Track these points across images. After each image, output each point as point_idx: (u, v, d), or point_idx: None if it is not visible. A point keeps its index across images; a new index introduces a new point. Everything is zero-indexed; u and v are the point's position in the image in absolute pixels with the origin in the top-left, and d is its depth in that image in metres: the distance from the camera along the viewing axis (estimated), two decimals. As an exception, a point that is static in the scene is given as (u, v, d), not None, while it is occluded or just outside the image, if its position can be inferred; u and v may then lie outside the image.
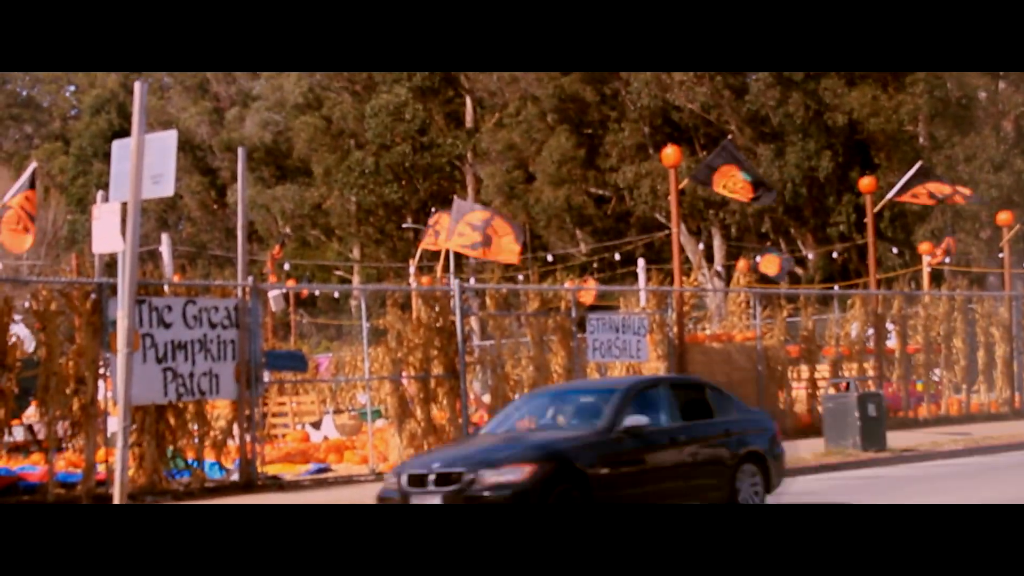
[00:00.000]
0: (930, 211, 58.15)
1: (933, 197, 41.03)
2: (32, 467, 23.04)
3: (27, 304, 22.30)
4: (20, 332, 22.47)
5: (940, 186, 41.36)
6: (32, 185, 35.60)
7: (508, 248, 35.00)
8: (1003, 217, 44.51)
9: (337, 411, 36.76)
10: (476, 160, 76.21)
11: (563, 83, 68.62)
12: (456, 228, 35.59)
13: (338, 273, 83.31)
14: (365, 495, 21.78)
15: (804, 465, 26.24)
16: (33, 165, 41.38)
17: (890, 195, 40.43)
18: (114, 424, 20.32)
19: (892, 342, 37.74)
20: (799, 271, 66.40)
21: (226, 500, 21.73)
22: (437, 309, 27.09)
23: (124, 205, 18.34)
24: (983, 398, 39.71)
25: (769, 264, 51.52)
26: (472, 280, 41.19)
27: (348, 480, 25.01)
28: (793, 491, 22.75)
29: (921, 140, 63.02)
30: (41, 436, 22.06)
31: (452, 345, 26.97)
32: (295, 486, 24.02)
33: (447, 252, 39.99)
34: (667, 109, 66.48)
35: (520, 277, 51.85)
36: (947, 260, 54.05)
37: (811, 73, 61.35)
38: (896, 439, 29.53)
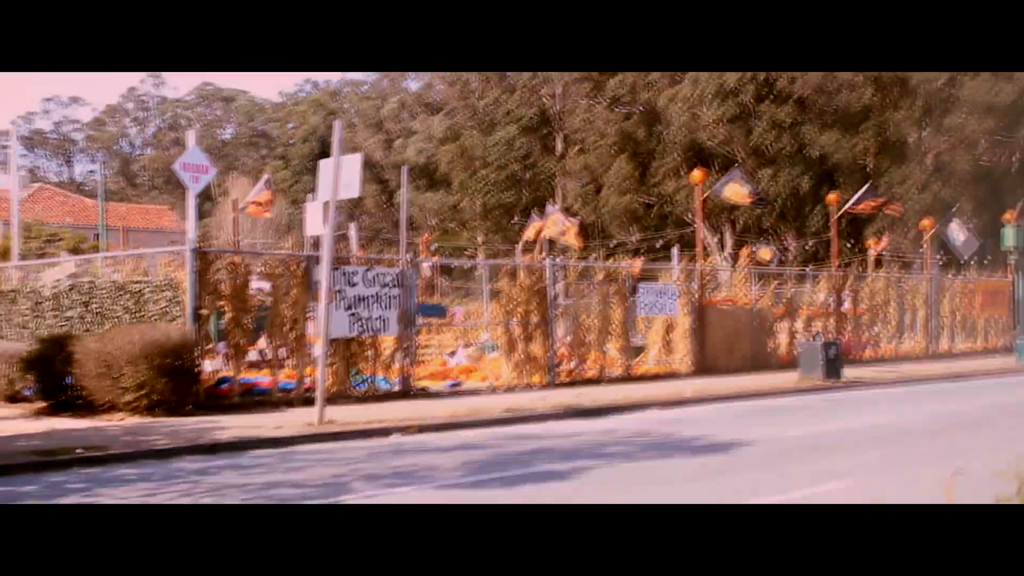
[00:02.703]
0: (875, 217, 57.37)
1: (876, 209, 41.02)
2: (263, 378, 23.30)
3: (260, 269, 22.59)
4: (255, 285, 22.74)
5: (880, 202, 41.70)
6: (268, 187, 36.97)
7: (574, 238, 36.50)
8: (924, 223, 44.44)
9: (466, 345, 36.75)
10: (563, 176, 75.97)
11: (624, 126, 68.49)
12: (548, 221, 36.27)
13: (467, 252, 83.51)
14: (483, 402, 21.94)
15: (785, 389, 26.13)
16: (267, 175, 42.21)
17: (847, 206, 40.11)
18: (317, 350, 20.59)
19: (846, 306, 37.41)
20: (783, 258, 65.74)
21: (392, 403, 21.95)
22: (535, 277, 27.14)
23: (325, 204, 18.53)
24: (908, 345, 39.33)
25: (766, 253, 51.19)
26: (559, 258, 41.02)
27: (474, 392, 25.10)
28: (778, 406, 22.66)
29: (869, 169, 62.06)
30: (268, 357, 22.33)
31: (544, 302, 27.04)
32: (437, 395, 24.19)
33: (542, 238, 40.08)
34: (695, 143, 65.79)
35: (592, 257, 51.75)
36: (885, 252, 53.24)
37: (797, 120, 60.95)
38: (849, 372, 29.24)
